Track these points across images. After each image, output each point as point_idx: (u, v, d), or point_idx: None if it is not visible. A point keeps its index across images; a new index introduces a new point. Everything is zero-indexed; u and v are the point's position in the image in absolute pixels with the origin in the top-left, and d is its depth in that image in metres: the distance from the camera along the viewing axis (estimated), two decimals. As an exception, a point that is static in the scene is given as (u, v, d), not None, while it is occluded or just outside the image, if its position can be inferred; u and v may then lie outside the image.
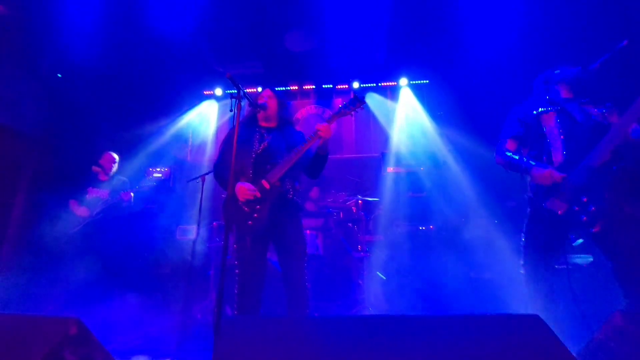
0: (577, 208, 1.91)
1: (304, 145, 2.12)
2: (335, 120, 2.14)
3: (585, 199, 1.90)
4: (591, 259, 2.84)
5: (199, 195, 3.25)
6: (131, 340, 2.93)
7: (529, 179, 2.16)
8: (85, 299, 3.18)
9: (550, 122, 2.09)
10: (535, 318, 1.03)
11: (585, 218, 1.89)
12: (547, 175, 1.97)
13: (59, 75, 4.95)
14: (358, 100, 2.12)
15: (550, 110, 2.12)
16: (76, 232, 3.53)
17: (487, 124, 3.90)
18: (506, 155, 2.21)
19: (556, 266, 2.06)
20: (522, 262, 2.15)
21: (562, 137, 2.03)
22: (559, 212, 1.95)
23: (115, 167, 3.97)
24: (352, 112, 2.16)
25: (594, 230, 1.88)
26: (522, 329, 1.02)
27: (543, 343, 0.97)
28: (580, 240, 2.17)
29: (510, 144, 2.24)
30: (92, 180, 3.82)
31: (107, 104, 5.03)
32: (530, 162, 2.08)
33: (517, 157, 2.15)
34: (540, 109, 2.15)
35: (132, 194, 3.73)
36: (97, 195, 3.71)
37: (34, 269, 2.65)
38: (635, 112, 1.83)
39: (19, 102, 4.23)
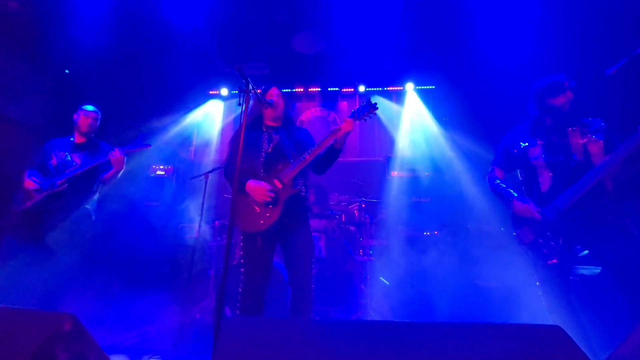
0: (541, 241, 2.07)
1: (321, 143, 2.10)
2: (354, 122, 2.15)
3: (549, 234, 2.05)
4: (598, 270, 2.79)
5: (202, 194, 3.20)
6: (127, 339, 2.87)
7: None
8: (82, 295, 3.12)
9: (537, 155, 2.17)
10: (556, 329, 0.97)
11: (545, 251, 2.05)
12: (525, 209, 2.12)
13: (67, 71, 4.95)
14: (371, 105, 2.13)
15: (536, 144, 2.19)
16: (31, 207, 2.70)
17: (494, 130, 3.85)
18: (494, 183, 2.36)
19: (570, 277, 2.06)
20: (537, 282, 2.16)
21: (549, 170, 2.13)
22: (526, 241, 2.13)
23: (96, 123, 3.05)
24: (366, 118, 2.17)
25: (550, 262, 2.03)
26: (542, 340, 0.96)
27: (565, 356, 0.91)
28: (586, 252, 2.18)
29: (499, 172, 2.40)
30: (62, 143, 2.95)
31: (113, 101, 5.02)
32: (513, 193, 2.22)
33: (503, 186, 2.30)
34: (526, 143, 2.24)
35: (124, 156, 2.83)
36: (65, 160, 2.88)
37: (30, 262, 2.59)
38: (605, 166, 1.90)
39: (25, 96, 4.23)
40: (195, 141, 5.95)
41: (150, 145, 3.01)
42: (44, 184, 2.77)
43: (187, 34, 4.52)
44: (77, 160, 2.88)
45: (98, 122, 3.08)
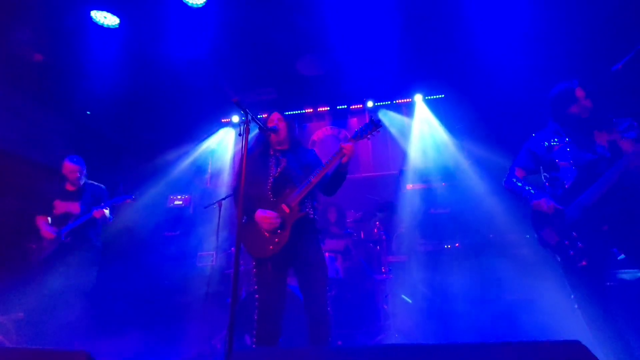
0: (567, 242, 1.98)
1: (325, 166, 2.10)
2: (356, 142, 2.13)
3: (575, 234, 1.96)
4: (640, 274, 2.62)
5: (216, 221, 3.25)
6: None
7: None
8: (98, 328, 3.16)
9: (562, 152, 2.12)
10: (576, 344, 0.91)
11: (572, 252, 1.95)
12: (542, 204, 2.06)
13: (88, 112, 5.26)
14: (374, 124, 2.10)
15: (562, 142, 2.14)
16: (46, 258, 2.99)
17: (508, 135, 3.75)
18: (512, 182, 2.31)
19: (608, 283, 1.93)
20: (572, 295, 2.04)
21: (574, 167, 2.06)
22: (551, 243, 2.04)
23: (81, 174, 3.27)
24: (369, 136, 2.14)
25: (580, 264, 1.91)
26: (563, 356, 0.89)
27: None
28: (623, 256, 2.04)
29: (519, 172, 2.33)
30: (59, 192, 3.21)
31: (129, 137, 5.26)
32: (531, 190, 2.17)
33: (520, 185, 2.25)
34: (551, 142, 2.19)
35: (105, 211, 3.12)
36: (66, 210, 3.13)
37: (47, 296, 2.72)
38: (627, 160, 1.87)
39: (50, 140, 4.50)
40: (210, 169, 6.10)
41: (132, 198, 3.31)
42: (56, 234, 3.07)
43: (196, 67, 4.71)
44: (75, 209, 3.16)
45: (79, 174, 3.26)
